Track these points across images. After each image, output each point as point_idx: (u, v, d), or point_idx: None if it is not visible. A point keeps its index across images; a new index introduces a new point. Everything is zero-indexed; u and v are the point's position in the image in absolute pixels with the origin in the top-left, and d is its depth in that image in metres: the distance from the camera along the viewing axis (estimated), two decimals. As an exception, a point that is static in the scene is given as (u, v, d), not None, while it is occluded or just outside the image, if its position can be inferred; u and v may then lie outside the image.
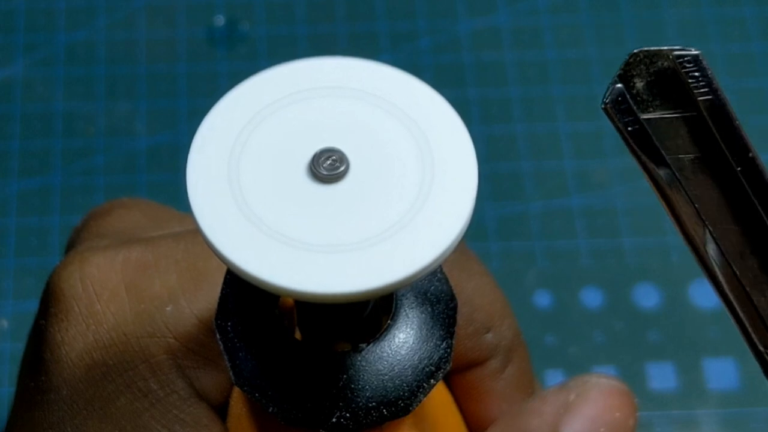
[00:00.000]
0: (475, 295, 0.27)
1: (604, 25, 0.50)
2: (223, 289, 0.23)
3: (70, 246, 0.30)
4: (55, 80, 0.48)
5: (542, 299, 0.43)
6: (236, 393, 0.26)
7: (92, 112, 0.47)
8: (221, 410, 0.26)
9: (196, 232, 0.27)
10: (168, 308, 0.26)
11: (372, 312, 0.23)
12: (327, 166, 0.19)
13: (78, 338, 0.26)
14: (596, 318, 0.43)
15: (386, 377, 0.22)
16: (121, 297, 0.26)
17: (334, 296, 0.18)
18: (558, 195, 0.45)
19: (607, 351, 0.42)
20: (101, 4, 0.50)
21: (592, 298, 0.44)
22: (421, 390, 0.22)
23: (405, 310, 0.23)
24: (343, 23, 0.49)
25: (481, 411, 0.28)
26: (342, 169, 0.19)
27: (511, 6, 0.50)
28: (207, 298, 0.26)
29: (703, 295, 0.44)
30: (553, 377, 0.42)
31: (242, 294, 0.23)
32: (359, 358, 0.22)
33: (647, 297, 0.44)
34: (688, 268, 0.44)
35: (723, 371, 0.42)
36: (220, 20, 0.49)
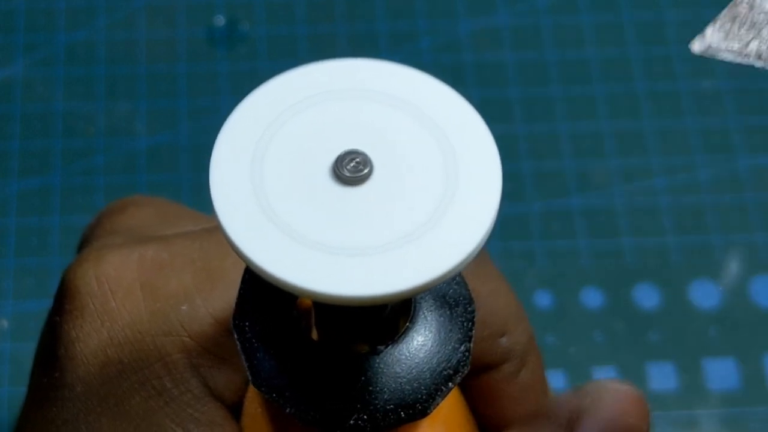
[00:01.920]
0: (491, 298, 0.27)
1: (604, 25, 0.50)
2: (240, 288, 0.23)
3: (84, 242, 0.30)
4: (55, 80, 0.48)
5: (542, 299, 0.43)
6: (251, 393, 0.26)
7: (92, 112, 0.47)
8: (235, 410, 0.26)
9: (212, 230, 0.27)
10: (183, 307, 0.26)
11: (390, 314, 0.23)
12: (351, 168, 0.19)
13: (93, 335, 0.26)
14: (596, 318, 0.43)
15: (404, 380, 0.22)
16: (136, 295, 0.26)
17: (356, 299, 0.18)
18: (558, 195, 0.45)
19: (608, 351, 0.42)
20: (101, 4, 0.50)
21: (592, 298, 0.44)
22: (439, 393, 0.22)
23: (423, 313, 0.23)
24: (343, 23, 0.49)
25: (495, 415, 0.28)
26: (366, 171, 0.19)
27: (511, 6, 0.50)
28: (222, 297, 0.26)
29: (704, 296, 0.44)
30: (554, 377, 0.42)
31: (260, 294, 0.23)
32: (377, 360, 0.22)
33: (647, 297, 0.44)
34: (689, 268, 0.44)
35: (723, 371, 0.42)
36: (220, 20, 0.49)
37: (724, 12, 0.19)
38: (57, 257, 0.44)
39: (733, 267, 0.44)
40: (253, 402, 0.25)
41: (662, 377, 0.42)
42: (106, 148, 0.46)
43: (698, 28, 0.50)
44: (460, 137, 0.20)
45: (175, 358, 0.25)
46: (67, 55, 0.48)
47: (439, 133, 0.20)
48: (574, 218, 0.45)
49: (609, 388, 0.26)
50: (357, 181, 0.19)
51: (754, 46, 0.19)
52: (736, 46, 0.19)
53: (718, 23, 0.19)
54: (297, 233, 0.19)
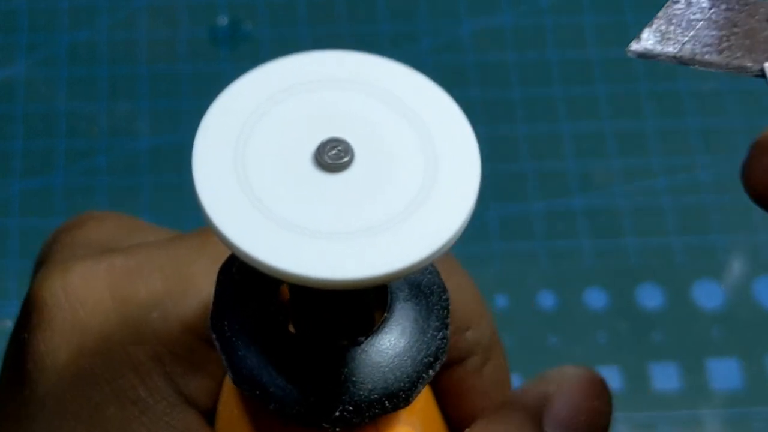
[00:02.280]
0: (455, 293, 0.28)
1: (606, 25, 0.50)
2: (216, 289, 0.23)
3: (41, 261, 0.30)
4: (57, 80, 0.48)
5: (546, 300, 0.43)
6: (225, 396, 0.26)
7: (94, 112, 0.47)
8: (209, 416, 0.26)
9: (177, 238, 0.27)
10: (154, 314, 0.26)
11: (366, 306, 0.23)
12: (332, 156, 0.19)
13: (62, 347, 0.25)
14: (600, 318, 0.43)
15: (386, 369, 0.22)
16: (105, 305, 0.26)
17: (340, 282, 0.18)
18: (560, 195, 0.45)
19: (611, 351, 0.42)
20: (103, 4, 0.50)
21: (595, 298, 0.44)
22: (420, 381, 0.22)
23: (400, 303, 0.23)
24: (345, 24, 0.49)
25: (461, 408, 0.28)
26: (346, 159, 0.19)
27: (514, 7, 0.50)
28: (192, 303, 0.26)
29: (707, 296, 0.44)
30: (556, 378, 0.42)
31: (237, 292, 0.23)
32: (359, 351, 0.22)
33: (651, 297, 0.44)
34: (692, 268, 0.44)
35: (726, 371, 0.42)
36: (223, 20, 0.49)
37: (661, 11, 0.19)
38: (59, 257, 0.44)
39: (736, 267, 0.44)
40: (227, 405, 0.25)
41: (665, 377, 0.42)
42: (109, 149, 0.46)
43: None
44: (439, 129, 0.20)
45: (148, 367, 0.25)
46: (70, 55, 0.49)
47: (419, 124, 0.20)
48: (577, 218, 0.45)
49: (571, 374, 0.26)
50: (338, 168, 0.19)
51: (688, 47, 0.19)
52: (671, 49, 0.19)
53: (654, 24, 0.19)
54: (280, 218, 0.19)
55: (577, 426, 0.26)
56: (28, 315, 0.26)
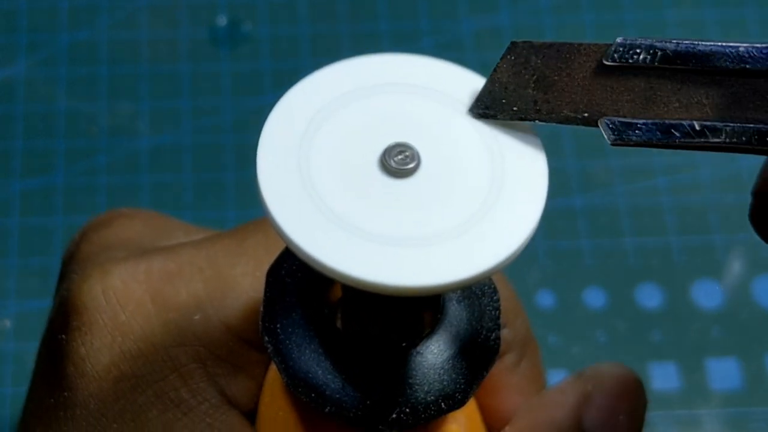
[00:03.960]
0: None
1: (605, 25, 0.50)
2: (266, 291, 0.23)
3: (70, 258, 0.30)
4: (57, 80, 0.48)
5: (545, 299, 0.43)
6: (268, 397, 0.26)
7: (95, 111, 0.47)
8: (250, 416, 0.26)
9: (214, 238, 0.27)
10: (196, 317, 0.26)
11: (420, 308, 0.23)
12: (398, 161, 0.19)
13: (104, 351, 0.25)
14: (599, 318, 0.43)
15: (442, 371, 0.22)
16: (146, 307, 0.26)
17: (411, 289, 0.18)
18: (560, 195, 0.45)
19: (610, 351, 0.42)
20: (103, 4, 0.50)
21: (594, 298, 0.44)
22: (475, 382, 0.22)
23: (453, 304, 0.23)
24: (345, 23, 0.49)
25: (497, 405, 0.29)
26: (413, 165, 0.19)
27: (513, 6, 0.50)
28: (233, 305, 0.26)
29: (706, 295, 0.44)
30: (557, 377, 0.42)
31: (288, 294, 0.23)
32: (415, 353, 0.22)
33: (650, 297, 0.44)
34: (691, 268, 0.44)
35: (726, 371, 0.42)
36: (222, 20, 0.49)
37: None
38: (59, 257, 0.44)
39: (735, 267, 0.44)
40: (271, 406, 0.25)
41: (665, 377, 0.42)
42: (109, 148, 0.46)
43: (698, 28, 0.50)
44: (507, 135, 0.20)
45: (190, 369, 0.25)
46: (70, 55, 0.49)
47: (486, 131, 0.20)
48: (577, 218, 0.45)
49: (609, 373, 0.27)
50: (404, 174, 0.19)
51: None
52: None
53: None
54: (346, 222, 0.19)
55: (616, 425, 0.26)
56: (67, 316, 0.26)
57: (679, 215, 0.45)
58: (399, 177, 0.19)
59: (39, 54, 0.49)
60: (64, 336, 0.26)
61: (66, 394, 0.25)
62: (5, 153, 0.46)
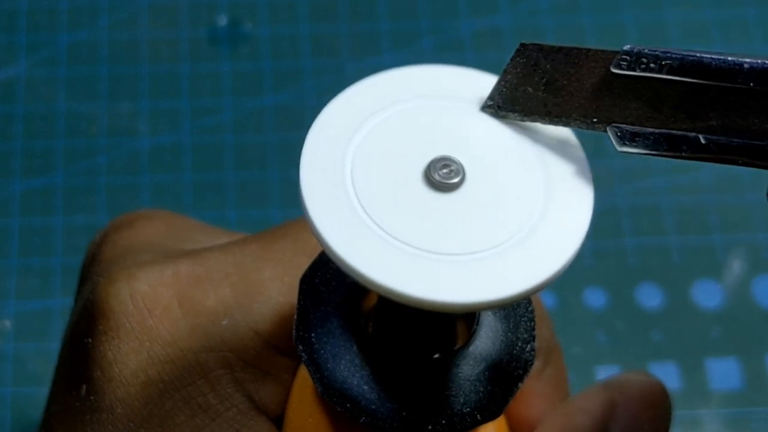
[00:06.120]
0: None
1: (605, 25, 0.50)
2: (300, 300, 0.23)
3: (92, 260, 0.29)
4: (57, 80, 0.48)
5: (545, 299, 0.43)
6: (295, 404, 0.25)
7: (95, 112, 0.47)
8: (278, 422, 0.26)
9: (241, 243, 0.27)
10: (224, 322, 0.25)
11: (456, 320, 0.23)
12: (442, 174, 0.19)
13: (131, 355, 0.25)
14: (599, 318, 0.43)
15: (478, 382, 0.22)
16: (174, 312, 0.26)
17: (454, 306, 0.18)
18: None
19: (610, 351, 0.42)
20: (104, 4, 0.50)
21: (594, 298, 0.44)
22: (511, 393, 0.22)
23: (488, 316, 0.23)
24: (345, 23, 0.49)
25: (522, 411, 0.28)
26: (457, 180, 0.19)
27: (513, 6, 0.50)
28: (261, 310, 0.26)
29: (706, 296, 0.44)
30: (556, 377, 0.42)
31: (322, 304, 0.23)
32: (451, 365, 0.22)
33: (650, 297, 0.44)
34: (691, 268, 0.44)
35: (726, 371, 0.42)
36: (222, 20, 0.49)
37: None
38: (59, 257, 0.44)
39: (735, 267, 0.44)
40: (300, 413, 0.25)
41: (665, 377, 0.42)
42: (109, 148, 0.46)
43: (699, 28, 0.50)
44: (553, 151, 0.20)
45: (218, 374, 0.25)
46: (70, 55, 0.49)
47: (532, 146, 0.20)
48: (577, 218, 0.45)
49: (636, 381, 0.27)
50: (448, 188, 0.19)
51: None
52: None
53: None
54: (387, 234, 0.18)
55: None
56: (93, 320, 0.26)
57: (679, 215, 0.45)
58: (443, 191, 0.19)
59: (39, 54, 0.49)
60: (89, 340, 0.26)
61: (92, 398, 0.25)
62: (5, 153, 0.46)
